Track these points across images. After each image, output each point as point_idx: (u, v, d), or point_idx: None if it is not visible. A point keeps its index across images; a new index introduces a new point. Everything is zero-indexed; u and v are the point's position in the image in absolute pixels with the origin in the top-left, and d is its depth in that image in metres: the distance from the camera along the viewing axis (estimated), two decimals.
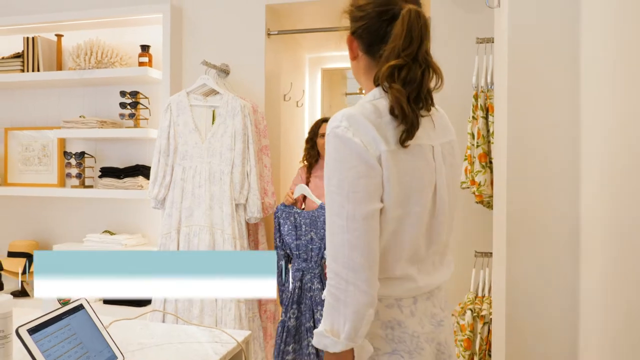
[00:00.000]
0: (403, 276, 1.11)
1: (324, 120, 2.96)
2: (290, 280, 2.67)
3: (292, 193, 2.77)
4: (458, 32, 2.58)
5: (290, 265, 2.75)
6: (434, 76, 1.11)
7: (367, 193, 1.03)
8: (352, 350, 1.05)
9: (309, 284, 2.63)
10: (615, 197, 1.22)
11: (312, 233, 2.63)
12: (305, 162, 2.99)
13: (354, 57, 1.21)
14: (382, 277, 1.08)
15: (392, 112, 1.07)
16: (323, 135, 2.82)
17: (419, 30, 1.07)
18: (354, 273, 1.02)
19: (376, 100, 1.10)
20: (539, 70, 1.58)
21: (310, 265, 2.63)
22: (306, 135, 3.07)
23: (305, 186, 2.74)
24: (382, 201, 1.06)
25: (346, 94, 4.59)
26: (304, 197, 2.85)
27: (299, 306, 2.63)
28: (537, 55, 1.58)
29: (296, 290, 2.63)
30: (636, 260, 1.10)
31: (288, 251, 2.72)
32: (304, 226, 2.66)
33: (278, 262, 2.73)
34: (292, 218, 2.69)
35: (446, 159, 1.16)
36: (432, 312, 1.16)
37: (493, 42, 2.23)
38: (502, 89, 1.75)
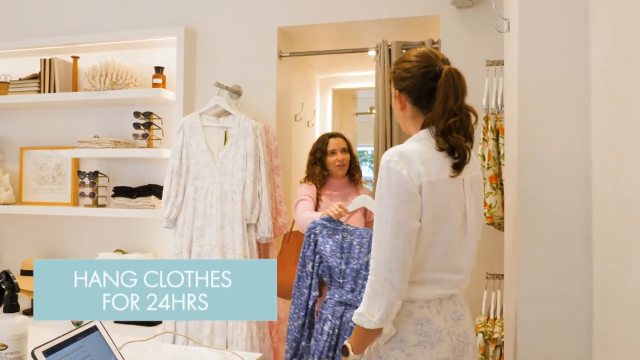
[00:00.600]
0: (434, 280, 1.40)
1: (331, 135, 2.65)
2: (329, 317, 2.02)
3: (306, 208, 2.41)
4: (468, 54, 2.60)
5: (322, 299, 2.12)
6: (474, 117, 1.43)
7: (407, 215, 1.33)
8: (380, 329, 1.35)
9: (350, 323, 1.95)
10: (628, 218, 1.22)
11: (368, 256, 1.89)
12: (308, 181, 2.61)
13: (401, 109, 1.48)
14: (416, 280, 1.38)
15: (440, 149, 1.36)
16: (333, 152, 2.58)
17: (461, 87, 1.38)
18: (390, 273, 1.31)
19: (422, 140, 1.39)
20: (549, 92, 1.59)
21: (358, 298, 1.97)
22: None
23: (369, 197, 2.21)
24: (420, 221, 1.34)
25: (356, 114, 4.62)
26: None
27: (334, 353, 1.98)
28: (547, 78, 1.60)
29: (335, 330, 1.98)
30: None
31: (326, 278, 2.07)
32: (357, 247, 2.03)
33: (309, 294, 2.08)
34: (338, 236, 2.08)
35: (473, 189, 1.44)
36: (454, 309, 1.44)
37: (503, 64, 2.25)
38: (513, 111, 1.76)
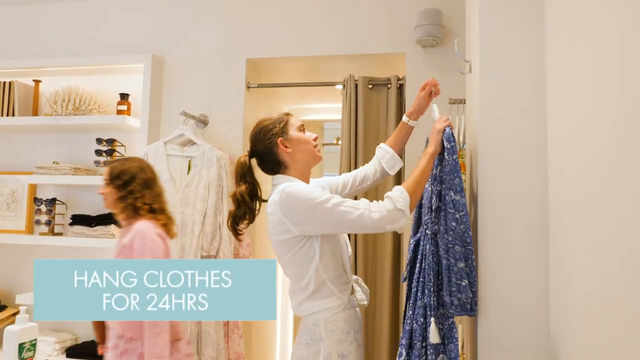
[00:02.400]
0: None
1: None
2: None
3: None
4: None
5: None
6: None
7: None
8: None
9: None
10: (586, 262, 1.25)
11: None
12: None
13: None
14: None
15: None
16: None
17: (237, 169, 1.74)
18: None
19: None
20: (509, 132, 1.64)
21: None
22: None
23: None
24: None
25: (323, 145, 4.65)
26: None
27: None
28: (507, 118, 1.65)
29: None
30: (615, 326, 1.12)
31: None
32: None
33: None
34: None
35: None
36: None
37: (465, 103, 2.31)
38: (474, 149, 1.80)
